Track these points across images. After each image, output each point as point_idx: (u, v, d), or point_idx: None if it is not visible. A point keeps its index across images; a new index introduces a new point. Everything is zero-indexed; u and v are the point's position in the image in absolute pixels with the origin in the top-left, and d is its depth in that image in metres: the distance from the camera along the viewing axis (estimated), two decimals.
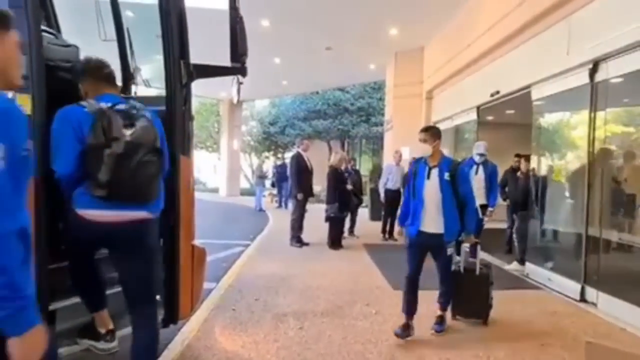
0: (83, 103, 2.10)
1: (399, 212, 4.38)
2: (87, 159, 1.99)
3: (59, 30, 3.25)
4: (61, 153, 2.02)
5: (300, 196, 7.42)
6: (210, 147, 25.38)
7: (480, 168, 5.67)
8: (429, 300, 3.75)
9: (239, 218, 12.27)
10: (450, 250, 3.52)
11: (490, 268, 4.01)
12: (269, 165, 20.26)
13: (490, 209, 5.63)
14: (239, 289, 4.82)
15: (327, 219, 7.38)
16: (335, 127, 19.78)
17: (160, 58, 2.61)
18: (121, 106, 2.12)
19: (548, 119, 6.03)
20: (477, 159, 5.69)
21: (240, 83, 2.92)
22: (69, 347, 2.37)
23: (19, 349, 1.14)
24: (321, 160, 20.83)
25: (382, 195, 8.33)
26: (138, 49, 3.31)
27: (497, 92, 6.65)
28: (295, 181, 7.58)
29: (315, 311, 4.16)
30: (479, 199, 4.86)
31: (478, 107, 7.46)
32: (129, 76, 3.19)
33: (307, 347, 3.36)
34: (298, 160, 7.67)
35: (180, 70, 2.55)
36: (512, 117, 8.50)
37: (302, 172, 7.54)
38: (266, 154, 23.34)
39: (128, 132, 2.03)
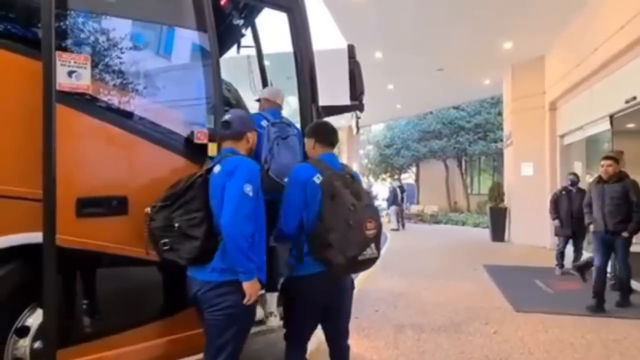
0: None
1: None
2: None
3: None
4: None
5: None
6: None
7: None
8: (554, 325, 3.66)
9: None
10: None
11: None
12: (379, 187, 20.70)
13: None
14: (360, 301, 5.22)
15: None
16: (452, 146, 19.38)
17: (290, 99, 3.20)
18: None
19: None
20: None
21: (358, 118, 3.42)
22: None
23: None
24: (439, 178, 20.50)
25: None
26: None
27: (634, 98, 6.04)
28: None
29: (432, 325, 4.35)
30: None
31: (611, 116, 6.81)
32: None
33: (425, 356, 3.59)
34: None
35: (312, 112, 3.14)
36: None
37: None
38: (383, 175, 23.78)
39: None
